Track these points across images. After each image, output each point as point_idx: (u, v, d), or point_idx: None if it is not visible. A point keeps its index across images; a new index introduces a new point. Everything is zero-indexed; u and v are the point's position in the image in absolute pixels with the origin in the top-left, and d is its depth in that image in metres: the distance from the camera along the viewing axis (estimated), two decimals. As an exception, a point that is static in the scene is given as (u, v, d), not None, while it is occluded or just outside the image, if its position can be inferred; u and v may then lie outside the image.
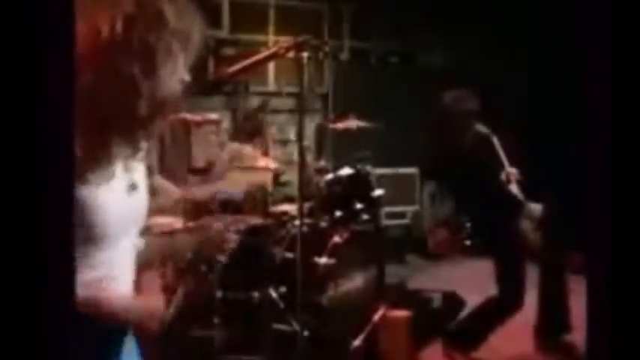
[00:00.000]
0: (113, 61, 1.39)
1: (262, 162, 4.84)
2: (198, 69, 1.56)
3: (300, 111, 2.45)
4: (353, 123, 5.15)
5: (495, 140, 4.21)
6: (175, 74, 1.49)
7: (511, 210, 4.20)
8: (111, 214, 1.48)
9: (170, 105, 1.52)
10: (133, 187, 1.57)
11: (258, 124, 4.98)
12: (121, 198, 1.53)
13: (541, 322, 4.30)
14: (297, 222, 3.80)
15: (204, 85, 5.78)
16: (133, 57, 1.41)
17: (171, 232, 1.91)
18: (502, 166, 4.14)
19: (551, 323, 4.28)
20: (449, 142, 4.38)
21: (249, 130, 5.03)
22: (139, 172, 1.62)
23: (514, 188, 4.10)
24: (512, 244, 4.17)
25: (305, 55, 2.27)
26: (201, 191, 1.85)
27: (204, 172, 5.31)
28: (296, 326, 3.80)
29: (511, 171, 4.12)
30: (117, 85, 1.41)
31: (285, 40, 2.47)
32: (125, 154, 1.52)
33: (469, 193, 4.24)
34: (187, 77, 1.54)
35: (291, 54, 2.31)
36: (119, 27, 1.38)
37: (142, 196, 1.63)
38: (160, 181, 4.07)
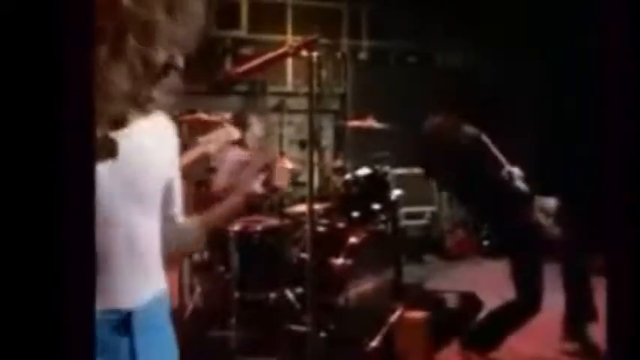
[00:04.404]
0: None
1: (279, 162, 4.82)
2: (215, 69, 1.54)
3: (311, 110, 2.44)
4: (371, 123, 5.13)
5: (485, 139, 4.19)
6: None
7: (519, 204, 4.16)
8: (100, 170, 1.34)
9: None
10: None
11: (244, 122, 4.94)
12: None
13: (567, 313, 4.25)
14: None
15: (214, 84, 5.78)
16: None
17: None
18: (500, 164, 4.12)
19: (577, 314, 4.23)
20: (440, 146, 4.40)
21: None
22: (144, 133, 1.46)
23: (518, 184, 4.08)
24: (528, 242, 4.13)
25: (315, 54, 2.26)
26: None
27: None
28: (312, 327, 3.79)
29: (512, 169, 4.11)
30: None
31: (298, 40, 2.46)
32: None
33: (471, 194, 4.22)
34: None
35: (304, 53, 2.30)
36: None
37: (143, 158, 1.47)
38: None
